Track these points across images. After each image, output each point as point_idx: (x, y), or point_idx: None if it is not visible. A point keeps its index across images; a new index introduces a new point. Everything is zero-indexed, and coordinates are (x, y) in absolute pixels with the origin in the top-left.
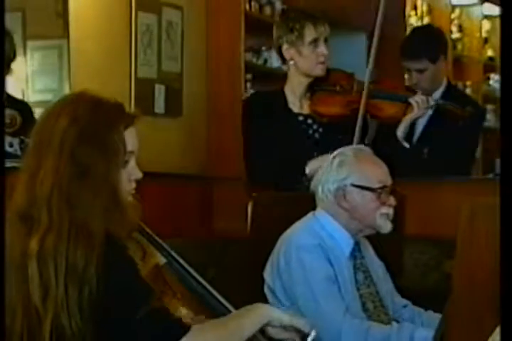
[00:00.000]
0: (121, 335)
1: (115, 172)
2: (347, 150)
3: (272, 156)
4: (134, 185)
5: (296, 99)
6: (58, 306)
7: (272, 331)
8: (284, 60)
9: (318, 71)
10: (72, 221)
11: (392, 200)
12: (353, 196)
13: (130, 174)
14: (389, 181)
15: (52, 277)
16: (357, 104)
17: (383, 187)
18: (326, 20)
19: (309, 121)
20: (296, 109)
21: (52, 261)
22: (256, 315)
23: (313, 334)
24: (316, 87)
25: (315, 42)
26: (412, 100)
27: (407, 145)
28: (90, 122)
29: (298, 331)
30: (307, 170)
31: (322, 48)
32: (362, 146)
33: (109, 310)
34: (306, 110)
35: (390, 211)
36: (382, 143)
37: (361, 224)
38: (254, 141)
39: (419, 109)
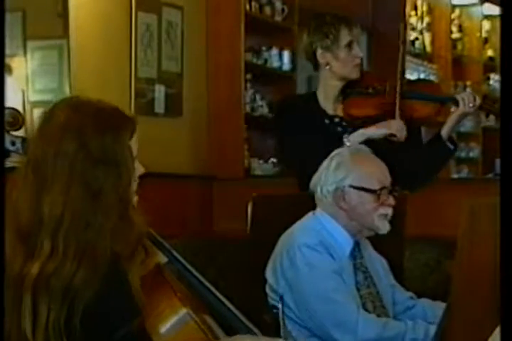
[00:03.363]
0: None
1: (127, 187)
2: (344, 151)
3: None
4: (137, 180)
5: (329, 102)
6: (49, 334)
7: None
8: (316, 66)
9: (354, 74)
10: (79, 244)
11: (391, 200)
12: (352, 197)
13: (135, 174)
14: (388, 181)
15: (44, 305)
16: (390, 105)
17: (382, 188)
18: (357, 23)
19: (344, 123)
20: (330, 112)
21: (48, 289)
22: None
23: None
24: (348, 90)
25: (349, 45)
26: (458, 97)
27: (451, 146)
28: (99, 144)
29: None
30: (346, 143)
31: (357, 50)
32: (360, 146)
33: (94, 327)
34: (340, 113)
35: (389, 211)
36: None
37: (360, 225)
38: (294, 146)
39: (465, 106)
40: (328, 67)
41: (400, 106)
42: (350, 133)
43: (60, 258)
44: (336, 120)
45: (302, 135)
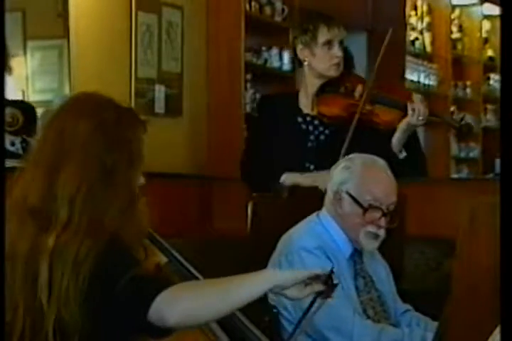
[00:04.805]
0: (108, 309)
1: (135, 178)
2: (358, 157)
3: (268, 160)
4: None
5: (308, 100)
6: (61, 301)
7: (291, 293)
8: (300, 62)
9: (332, 72)
10: (90, 221)
11: (382, 221)
12: (345, 204)
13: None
14: (388, 201)
15: (59, 272)
16: (356, 107)
17: (372, 206)
18: (341, 23)
19: (316, 122)
20: (306, 110)
21: (61, 258)
22: (259, 278)
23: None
24: (325, 88)
25: (329, 43)
26: (409, 106)
27: (401, 155)
28: (116, 128)
29: (317, 279)
30: (282, 179)
31: (336, 50)
32: (377, 158)
33: (96, 287)
34: (315, 111)
35: (380, 232)
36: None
37: (349, 236)
38: (256, 146)
39: (413, 118)
40: (306, 64)
41: (365, 111)
42: (321, 131)
43: (74, 229)
44: (308, 118)
45: (266, 133)
